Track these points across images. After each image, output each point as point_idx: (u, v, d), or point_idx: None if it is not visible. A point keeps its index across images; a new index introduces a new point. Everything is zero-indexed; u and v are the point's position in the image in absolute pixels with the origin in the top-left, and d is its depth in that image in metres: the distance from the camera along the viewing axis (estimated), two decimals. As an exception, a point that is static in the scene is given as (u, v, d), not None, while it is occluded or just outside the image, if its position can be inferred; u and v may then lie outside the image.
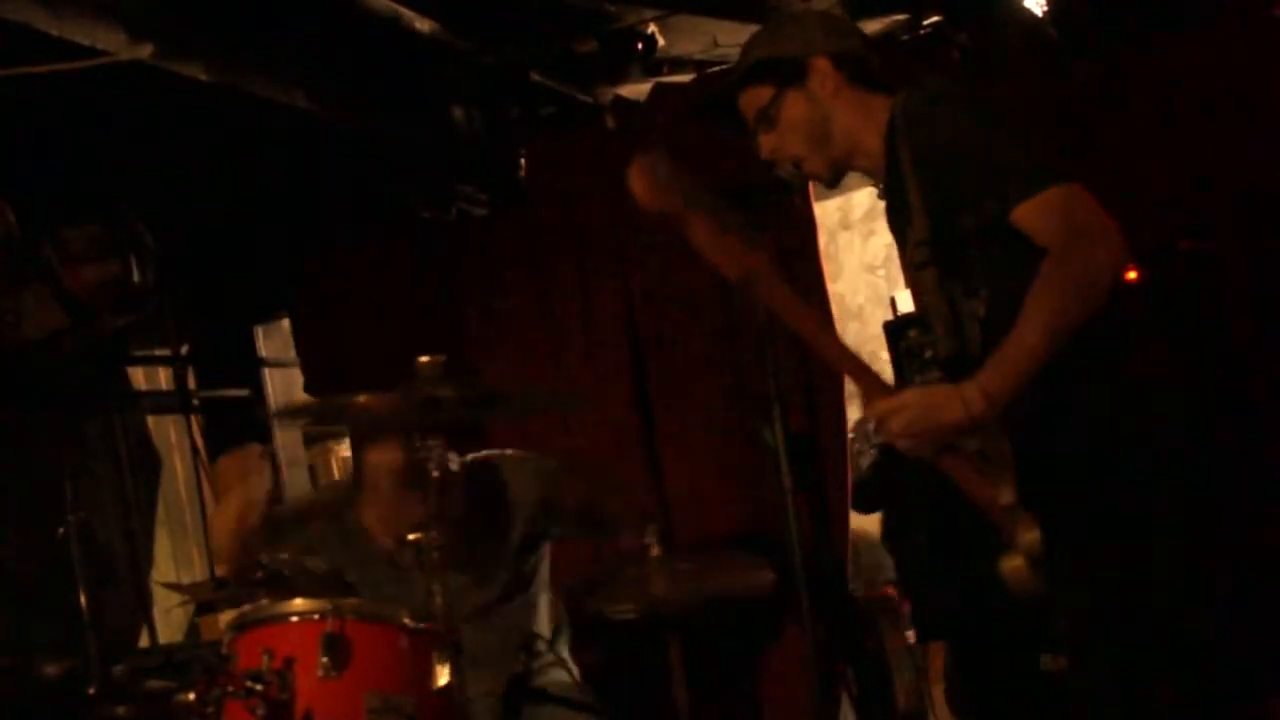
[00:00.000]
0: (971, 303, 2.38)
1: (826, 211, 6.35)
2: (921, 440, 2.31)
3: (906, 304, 4.44)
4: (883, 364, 5.14)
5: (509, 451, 3.72)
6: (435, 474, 2.76)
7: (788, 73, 2.56)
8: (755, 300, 2.51)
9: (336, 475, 6.13)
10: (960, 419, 2.26)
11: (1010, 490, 2.27)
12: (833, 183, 2.69)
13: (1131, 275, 3.57)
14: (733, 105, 2.69)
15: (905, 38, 4.43)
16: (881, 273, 6.70)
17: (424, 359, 2.77)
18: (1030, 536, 2.23)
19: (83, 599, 3.59)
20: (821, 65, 2.54)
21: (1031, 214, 2.24)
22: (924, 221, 2.42)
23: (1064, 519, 2.27)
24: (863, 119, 2.53)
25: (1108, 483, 2.29)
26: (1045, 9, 4.07)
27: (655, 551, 2.88)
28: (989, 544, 2.31)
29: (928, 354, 3.84)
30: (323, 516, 3.56)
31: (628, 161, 4.69)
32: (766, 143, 2.64)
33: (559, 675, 3.62)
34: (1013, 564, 2.27)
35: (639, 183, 2.42)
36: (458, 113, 4.41)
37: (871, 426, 2.37)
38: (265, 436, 5.69)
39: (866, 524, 5.19)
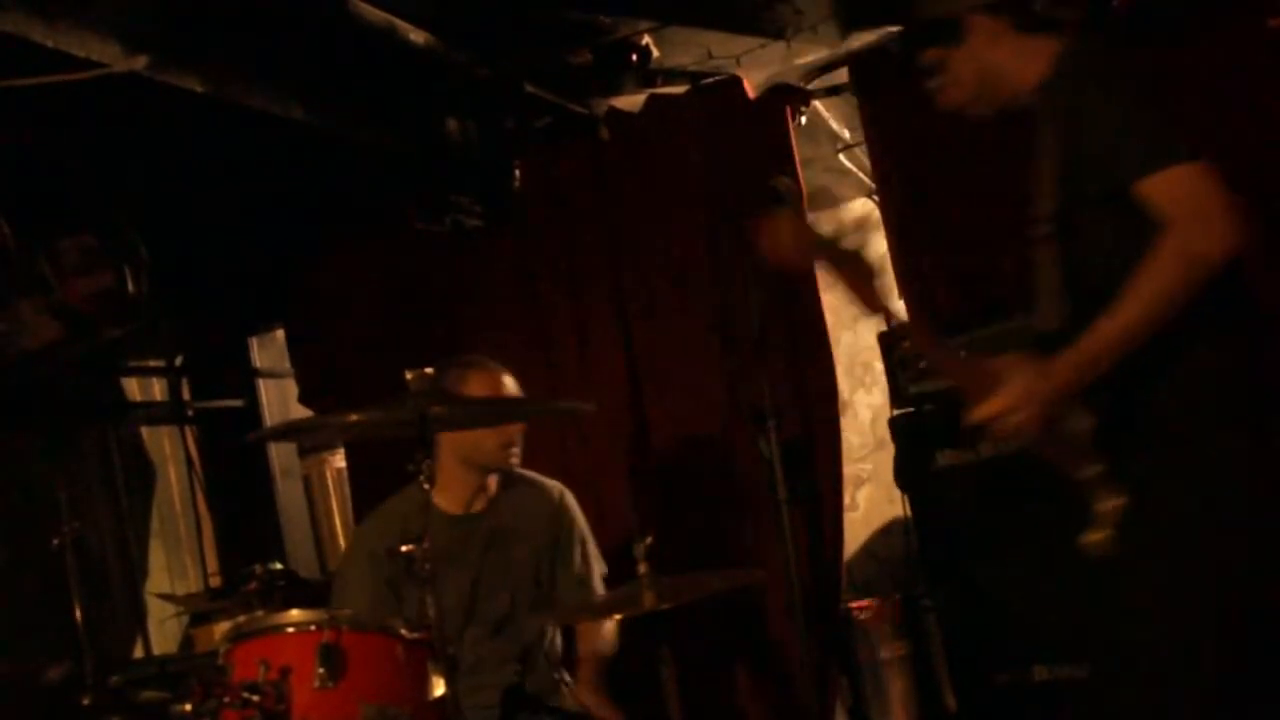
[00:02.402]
0: (1085, 273, 2.42)
1: (821, 222, 6.37)
2: (1030, 425, 2.37)
3: (899, 314, 4.45)
4: (876, 374, 5.19)
5: (532, 474, 3.75)
6: (425, 487, 2.75)
7: (949, 33, 2.61)
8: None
9: (331, 486, 6.12)
10: (1049, 393, 2.34)
11: (1096, 461, 2.37)
12: (1000, 116, 2.73)
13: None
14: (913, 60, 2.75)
15: (899, 49, 4.44)
16: (875, 283, 6.71)
17: (411, 374, 2.77)
18: (1114, 505, 2.33)
19: (77, 610, 3.58)
20: (978, 22, 2.58)
21: (1152, 190, 2.27)
22: (1051, 192, 2.48)
23: (1150, 490, 2.34)
24: (1023, 64, 2.56)
25: (1195, 455, 2.33)
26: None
27: (643, 568, 2.88)
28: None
29: (921, 364, 3.88)
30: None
31: (621, 172, 4.76)
32: (941, 97, 2.70)
33: (554, 685, 3.62)
34: (1095, 537, 2.37)
35: (770, 243, 2.56)
36: (452, 124, 4.41)
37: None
38: (260, 449, 5.70)
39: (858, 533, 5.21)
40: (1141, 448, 2.36)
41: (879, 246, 4.61)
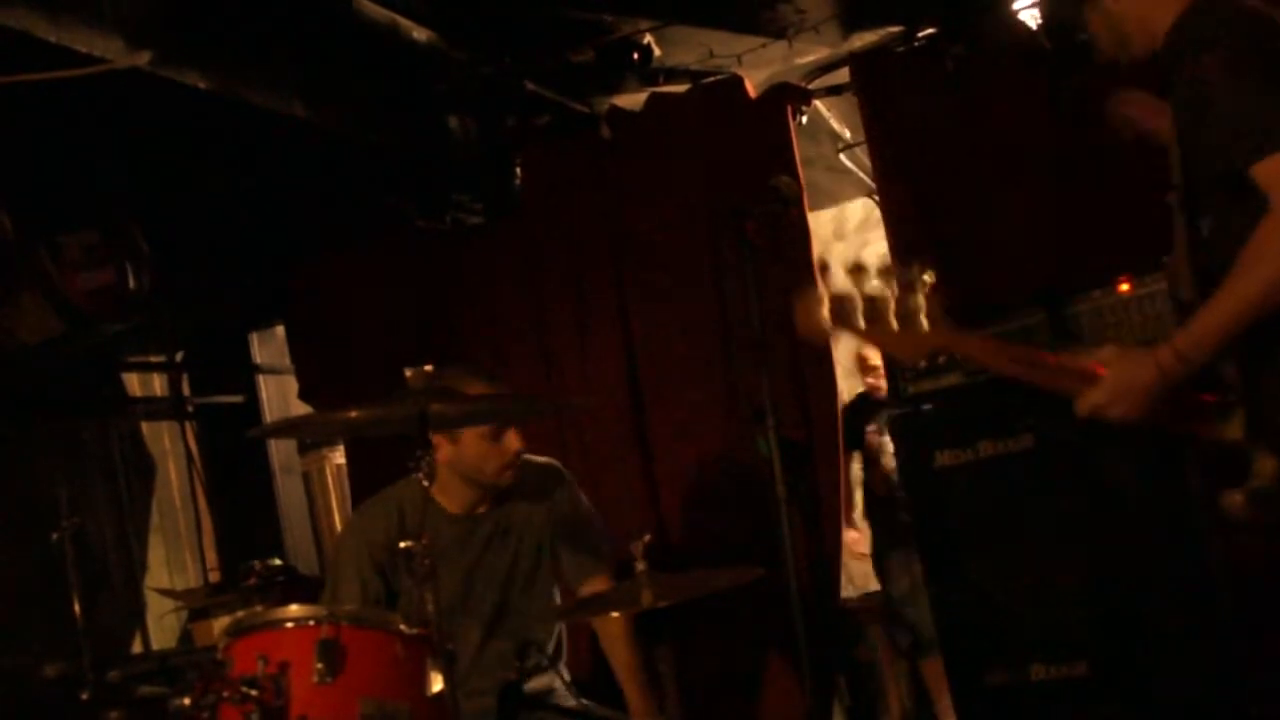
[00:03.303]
0: (1214, 249, 2.44)
1: (820, 222, 6.38)
2: (1131, 415, 2.40)
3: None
4: (877, 373, 5.20)
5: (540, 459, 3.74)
6: (424, 484, 2.76)
7: None
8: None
9: (330, 482, 6.13)
10: (1155, 382, 2.36)
11: (1239, 425, 2.40)
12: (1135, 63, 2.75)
13: (1124, 287, 3.61)
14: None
15: (900, 49, 4.45)
16: (875, 284, 6.71)
17: (410, 371, 2.77)
18: (1267, 465, 2.36)
19: (76, 604, 3.58)
20: None
21: (1266, 173, 2.27)
22: (1178, 164, 2.50)
23: None
24: (1150, 14, 2.57)
25: None
26: (1039, 21, 4.10)
27: (641, 566, 2.89)
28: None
29: (921, 363, 3.88)
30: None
31: (623, 171, 4.76)
32: (1096, 53, 2.73)
33: (552, 681, 3.63)
34: (1234, 499, 2.40)
35: (802, 320, 2.55)
36: (454, 122, 4.42)
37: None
38: (260, 445, 5.71)
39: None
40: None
41: (879, 246, 4.62)
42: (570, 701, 3.59)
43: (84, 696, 3.48)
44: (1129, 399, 2.38)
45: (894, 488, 4.70)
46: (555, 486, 3.66)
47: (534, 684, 3.58)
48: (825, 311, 2.49)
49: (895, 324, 2.50)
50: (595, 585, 3.62)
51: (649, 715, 3.55)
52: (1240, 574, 3.47)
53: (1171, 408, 2.43)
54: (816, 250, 4.63)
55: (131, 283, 4.55)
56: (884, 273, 2.51)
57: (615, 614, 3.58)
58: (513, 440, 3.44)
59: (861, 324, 2.49)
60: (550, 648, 3.66)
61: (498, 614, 3.55)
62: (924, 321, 2.50)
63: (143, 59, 3.36)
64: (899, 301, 2.50)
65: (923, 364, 2.75)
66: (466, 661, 3.46)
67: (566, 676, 3.66)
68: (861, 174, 5.35)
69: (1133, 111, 2.80)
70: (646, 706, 3.57)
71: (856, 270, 2.50)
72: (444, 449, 3.41)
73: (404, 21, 3.97)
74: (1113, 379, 2.39)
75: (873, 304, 2.49)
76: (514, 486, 3.59)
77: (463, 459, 3.45)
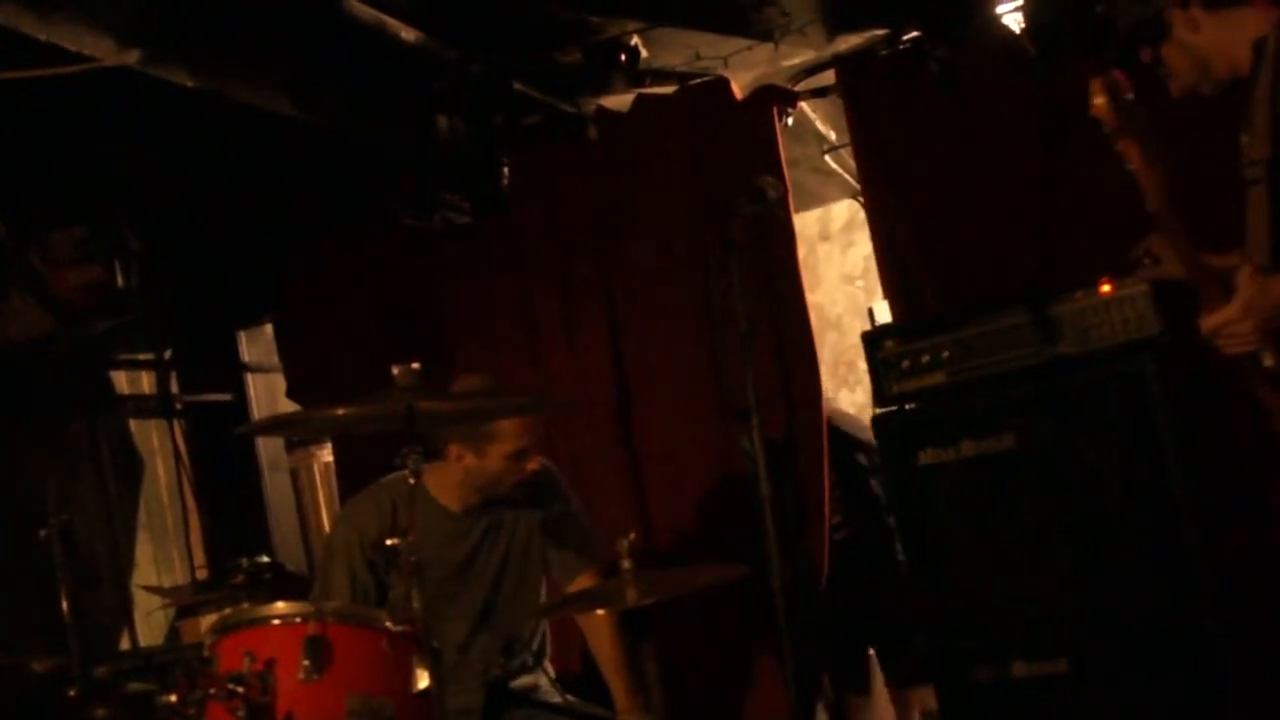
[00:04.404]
0: None
1: (806, 223, 6.42)
2: (1260, 333, 2.53)
3: (884, 315, 4.49)
4: (860, 373, 5.22)
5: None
6: (411, 481, 2.78)
7: (1154, 32, 2.76)
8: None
9: (318, 480, 6.14)
10: (1276, 303, 2.50)
11: None
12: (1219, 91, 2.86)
13: (1105, 289, 3.64)
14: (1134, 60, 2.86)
15: (884, 52, 4.48)
16: (860, 283, 6.75)
17: (397, 368, 2.79)
18: None
19: (64, 602, 3.59)
20: (1176, 15, 2.73)
21: None
22: (1265, 141, 2.60)
23: None
24: (1230, 38, 2.70)
25: None
26: (1022, 25, 4.13)
27: (626, 564, 2.91)
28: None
29: (905, 364, 3.91)
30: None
31: (609, 171, 4.78)
32: (1172, 87, 2.84)
33: (537, 678, 3.65)
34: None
35: (1100, 98, 2.65)
36: (442, 121, 4.44)
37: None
38: (248, 442, 5.72)
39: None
40: None
41: (864, 247, 4.64)
42: (555, 698, 3.62)
43: (71, 693, 3.49)
44: (1261, 315, 2.49)
45: None
46: (548, 487, 3.69)
47: (519, 681, 3.61)
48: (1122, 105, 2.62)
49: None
50: (583, 584, 3.65)
51: (635, 712, 3.58)
52: (1221, 572, 3.51)
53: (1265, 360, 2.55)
54: (803, 251, 4.66)
55: (120, 280, 4.56)
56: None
57: (600, 611, 3.61)
58: (533, 461, 3.52)
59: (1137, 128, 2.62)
60: (535, 645, 3.68)
61: (487, 610, 3.58)
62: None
63: (132, 57, 3.37)
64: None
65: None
66: (454, 656, 3.49)
67: (551, 673, 3.69)
68: (846, 175, 5.38)
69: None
70: (632, 703, 3.60)
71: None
72: (468, 459, 3.48)
73: (392, 21, 3.98)
74: (1247, 294, 2.50)
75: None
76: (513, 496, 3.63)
77: (484, 471, 3.50)
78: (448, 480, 3.55)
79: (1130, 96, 2.64)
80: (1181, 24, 2.72)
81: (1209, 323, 2.55)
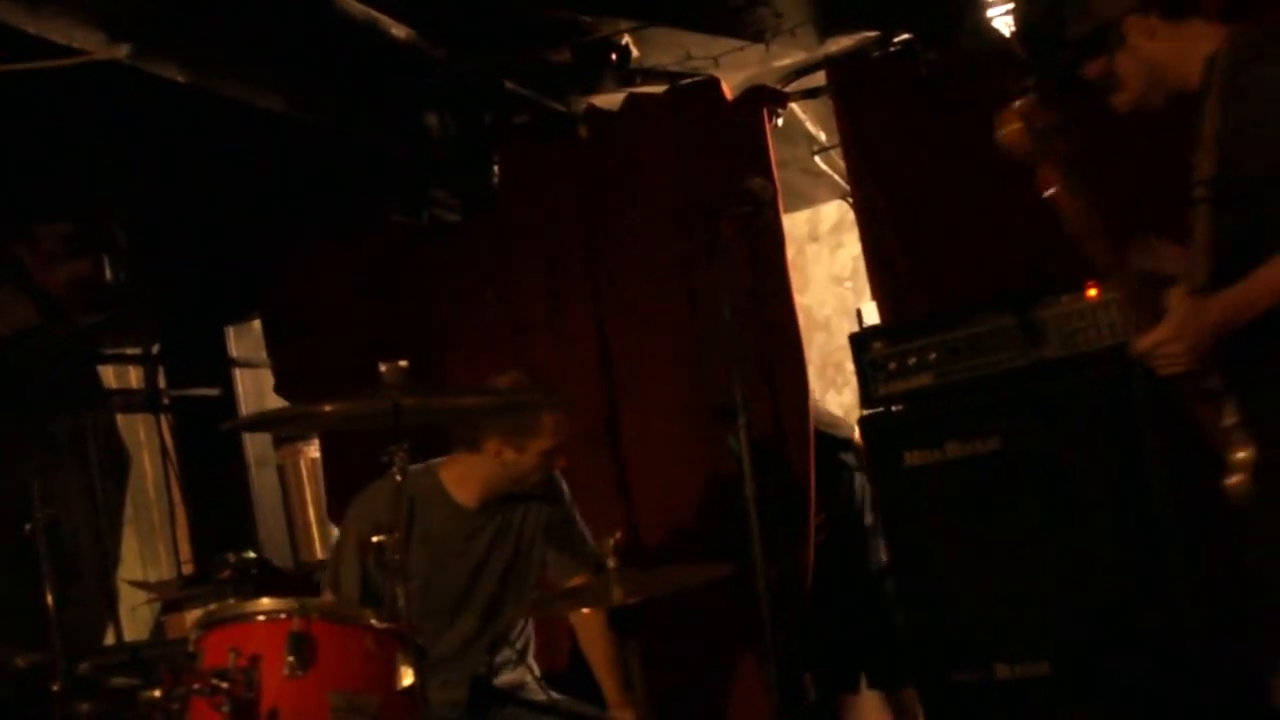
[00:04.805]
0: (1248, 243, 2.49)
1: (795, 224, 6.43)
2: (1192, 355, 2.48)
3: (872, 316, 4.50)
4: (848, 374, 5.24)
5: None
6: (398, 479, 2.79)
7: (1111, 40, 2.68)
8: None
9: (305, 476, 6.13)
10: (1219, 324, 2.45)
11: (1233, 412, 2.49)
12: (1165, 105, 2.79)
13: (1091, 293, 3.66)
14: (1075, 77, 2.80)
15: (875, 54, 4.49)
16: (849, 284, 6.76)
17: (384, 365, 2.79)
18: (1247, 454, 2.46)
19: (49, 596, 3.59)
20: (1134, 22, 2.66)
21: None
22: (1211, 160, 2.55)
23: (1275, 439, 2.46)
24: (1184, 50, 2.64)
25: None
26: (1012, 28, 4.13)
27: (612, 562, 2.92)
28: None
29: (892, 365, 3.92)
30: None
31: (599, 170, 4.78)
32: (1117, 100, 2.77)
33: (523, 676, 3.66)
34: (1233, 480, 2.48)
35: (1011, 127, 2.61)
36: (432, 119, 4.44)
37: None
38: (235, 438, 5.72)
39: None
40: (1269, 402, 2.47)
41: (853, 249, 4.65)
42: (541, 695, 3.63)
43: (55, 688, 3.48)
44: (1192, 337, 2.45)
45: None
46: (552, 491, 3.75)
47: (506, 678, 3.62)
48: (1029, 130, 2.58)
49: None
50: (576, 584, 3.68)
51: (625, 708, 3.60)
52: (1204, 574, 3.53)
53: (1203, 378, 2.51)
54: (791, 252, 4.66)
55: (108, 275, 4.55)
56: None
57: (587, 610, 3.63)
58: (561, 460, 3.61)
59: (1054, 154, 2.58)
60: (519, 643, 3.69)
61: (492, 608, 3.61)
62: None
63: (121, 52, 3.37)
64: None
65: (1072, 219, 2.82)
66: (455, 651, 3.52)
67: (536, 670, 3.70)
68: (836, 176, 5.39)
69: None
70: (622, 699, 3.62)
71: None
72: (506, 453, 3.53)
73: (383, 18, 3.98)
74: (1178, 315, 2.46)
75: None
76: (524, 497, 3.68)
77: (520, 466, 3.56)
78: (470, 474, 3.61)
79: (1043, 126, 2.60)
80: (1138, 30, 2.65)
81: (1141, 344, 2.52)
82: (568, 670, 4.25)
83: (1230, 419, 2.50)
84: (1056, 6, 2.79)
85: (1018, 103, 2.61)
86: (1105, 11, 2.69)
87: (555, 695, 3.64)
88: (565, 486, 3.81)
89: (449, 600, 3.56)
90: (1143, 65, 2.66)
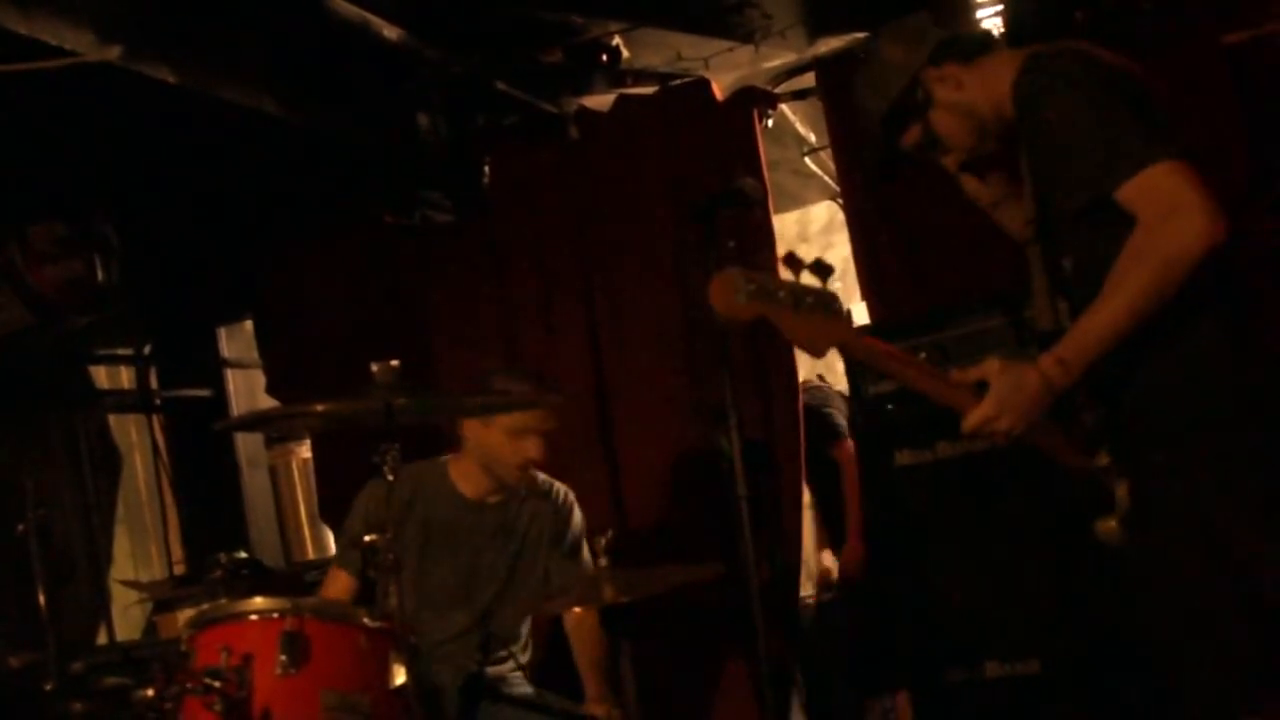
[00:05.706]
0: (1082, 278, 2.45)
1: (785, 224, 6.44)
2: (1019, 426, 2.38)
3: (862, 316, 4.51)
4: (838, 374, 5.24)
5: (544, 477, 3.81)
6: (390, 477, 2.79)
7: (919, 105, 2.64)
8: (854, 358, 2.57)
9: (296, 476, 6.14)
10: (1040, 391, 2.35)
11: (1104, 453, 2.43)
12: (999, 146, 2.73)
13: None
14: (900, 152, 2.77)
15: (864, 55, 4.49)
16: (838, 285, 6.77)
17: (376, 365, 2.80)
18: (1121, 493, 2.41)
19: (41, 596, 3.59)
20: (934, 78, 2.62)
21: (1130, 195, 2.30)
22: (1032, 200, 2.54)
23: (1152, 476, 2.39)
24: (992, 85, 2.58)
25: (1190, 442, 2.36)
26: (1001, 29, 4.15)
27: (603, 562, 2.93)
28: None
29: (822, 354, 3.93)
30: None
31: (590, 171, 4.79)
32: (950, 161, 2.74)
33: (513, 674, 3.67)
34: (1107, 525, 2.44)
35: (720, 300, 2.35)
36: (423, 120, 4.44)
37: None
38: (226, 438, 5.72)
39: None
40: (1150, 441, 2.39)
41: (843, 249, 4.66)
42: (523, 687, 3.65)
43: (48, 687, 3.49)
44: (1016, 410, 2.35)
45: None
46: (563, 506, 3.77)
47: (491, 672, 3.64)
48: (747, 292, 2.31)
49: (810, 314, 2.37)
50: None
51: (602, 702, 3.61)
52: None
53: (1049, 432, 2.43)
54: (781, 252, 4.67)
55: (100, 275, 4.55)
56: (816, 269, 2.43)
57: (578, 609, 3.63)
58: (531, 447, 3.57)
59: (777, 306, 2.33)
60: (516, 646, 3.71)
61: (490, 605, 3.62)
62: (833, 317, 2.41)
63: (113, 53, 3.37)
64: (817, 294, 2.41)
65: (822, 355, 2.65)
66: (448, 642, 3.55)
67: (520, 660, 3.72)
68: (826, 177, 5.41)
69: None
70: (603, 692, 3.64)
71: (791, 261, 2.41)
72: (474, 428, 3.58)
73: (374, 19, 3.99)
74: (998, 390, 2.36)
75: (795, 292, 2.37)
76: (527, 495, 3.69)
77: (488, 444, 3.58)
78: (470, 469, 3.66)
79: (756, 286, 2.29)
80: (943, 86, 2.60)
81: (967, 425, 2.40)
82: (544, 660, 4.26)
83: (1103, 460, 2.43)
84: (863, 94, 2.74)
85: (719, 275, 2.32)
86: (897, 80, 2.64)
87: (534, 689, 3.66)
88: (579, 516, 3.81)
89: (446, 592, 3.58)
90: (960, 117, 2.61)
